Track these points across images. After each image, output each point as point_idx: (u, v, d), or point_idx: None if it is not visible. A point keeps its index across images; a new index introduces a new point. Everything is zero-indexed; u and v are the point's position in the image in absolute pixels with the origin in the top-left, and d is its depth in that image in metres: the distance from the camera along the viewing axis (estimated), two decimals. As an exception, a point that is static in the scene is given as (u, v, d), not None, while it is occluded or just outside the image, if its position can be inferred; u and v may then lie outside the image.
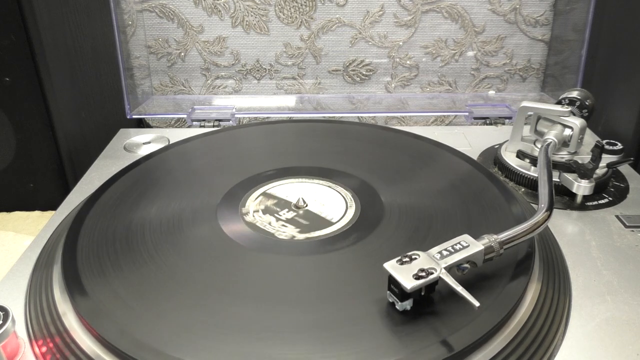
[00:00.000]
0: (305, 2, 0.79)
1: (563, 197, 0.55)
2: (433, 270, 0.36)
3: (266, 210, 0.50)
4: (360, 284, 0.40)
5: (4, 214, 0.73)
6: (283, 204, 0.51)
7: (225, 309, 0.38)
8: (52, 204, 0.73)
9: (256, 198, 0.52)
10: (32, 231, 0.68)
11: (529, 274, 0.41)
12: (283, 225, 0.48)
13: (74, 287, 0.40)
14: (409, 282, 0.35)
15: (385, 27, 0.81)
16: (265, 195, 0.53)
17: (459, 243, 0.39)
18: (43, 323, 0.39)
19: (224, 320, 0.37)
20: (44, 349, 0.37)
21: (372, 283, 0.39)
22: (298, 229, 0.48)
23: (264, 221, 0.49)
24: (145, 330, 0.36)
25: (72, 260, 0.43)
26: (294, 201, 0.51)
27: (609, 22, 0.75)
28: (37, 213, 0.73)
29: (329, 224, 0.48)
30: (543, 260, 0.44)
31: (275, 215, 0.50)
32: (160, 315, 0.37)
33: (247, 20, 0.80)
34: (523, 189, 0.58)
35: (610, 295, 0.43)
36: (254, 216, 0.49)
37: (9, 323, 0.35)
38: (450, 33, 0.81)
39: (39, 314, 0.40)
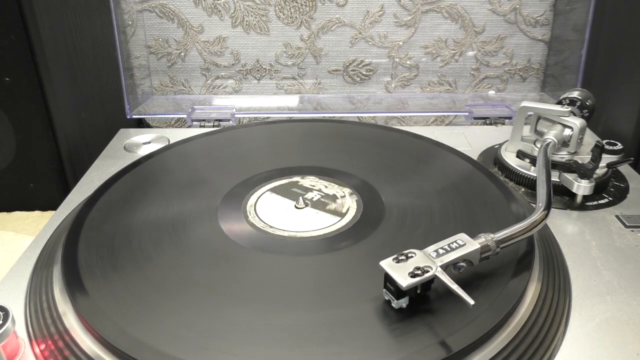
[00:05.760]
0: (305, 2, 0.79)
1: (563, 197, 0.56)
2: (429, 269, 0.36)
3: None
4: (360, 284, 0.40)
5: (4, 214, 0.73)
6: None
7: (225, 309, 0.38)
8: (52, 204, 0.73)
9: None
10: (32, 231, 0.68)
11: (529, 274, 0.41)
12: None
13: (74, 287, 0.40)
14: (404, 280, 0.35)
15: (385, 27, 0.81)
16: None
17: (455, 242, 0.39)
18: (43, 323, 0.39)
19: (223, 320, 0.37)
20: (43, 348, 0.37)
21: (372, 283, 0.39)
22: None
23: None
24: (145, 330, 0.36)
25: (72, 260, 0.43)
26: (295, 201, 0.52)
27: (609, 22, 0.75)
28: (37, 213, 0.73)
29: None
30: (543, 260, 0.44)
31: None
32: (160, 315, 0.37)
33: (247, 20, 0.80)
34: (523, 189, 0.58)
35: (610, 295, 0.43)
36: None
37: (9, 323, 0.35)
38: (450, 33, 0.81)
39: (39, 314, 0.40)
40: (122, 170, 0.58)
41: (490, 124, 0.76)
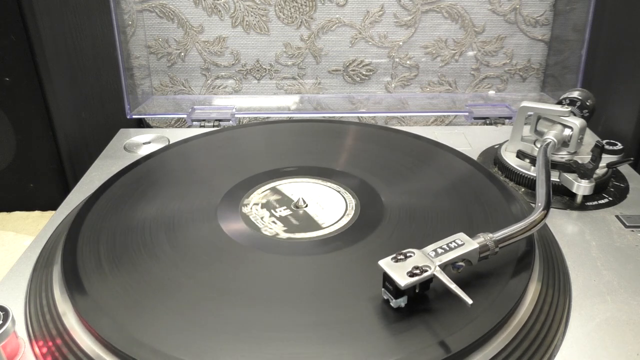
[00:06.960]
0: (305, 2, 0.79)
1: (563, 197, 0.55)
2: (427, 268, 0.36)
3: (265, 205, 0.51)
4: (360, 284, 0.40)
5: (4, 214, 0.73)
6: (283, 202, 0.51)
7: (225, 308, 0.38)
8: (52, 204, 0.73)
9: (263, 192, 0.53)
10: (32, 231, 0.68)
11: (529, 274, 0.41)
12: (273, 222, 0.48)
13: (74, 287, 0.40)
14: (402, 280, 0.35)
15: (385, 27, 0.81)
16: (272, 190, 0.54)
17: (454, 241, 0.39)
18: (43, 323, 0.39)
19: (223, 320, 0.37)
20: (44, 349, 0.37)
21: (371, 283, 0.39)
22: (285, 228, 0.48)
23: (257, 215, 0.49)
24: (145, 329, 0.36)
25: (72, 260, 0.43)
26: (294, 200, 0.52)
27: (609, 22, 0.75)
28: (37, 213, 0.73)
29: (319, 227, 0.48)
30: (543, 260, 0.44)
31: (271, 211, 0.50)
32: (160, 314, 0.37)
33: (247, 20, 0.80)
34: (523, 189, 0.58)
35: (610, 295, 0.43)
36: (251, 208, 0.50)
37: (9, 323, 0.35)
38: (450, 33, 0.81)
39: (39, 314, 0.40)
40: (122, 170, 0.58)
41: (490, 124, 0.76)
